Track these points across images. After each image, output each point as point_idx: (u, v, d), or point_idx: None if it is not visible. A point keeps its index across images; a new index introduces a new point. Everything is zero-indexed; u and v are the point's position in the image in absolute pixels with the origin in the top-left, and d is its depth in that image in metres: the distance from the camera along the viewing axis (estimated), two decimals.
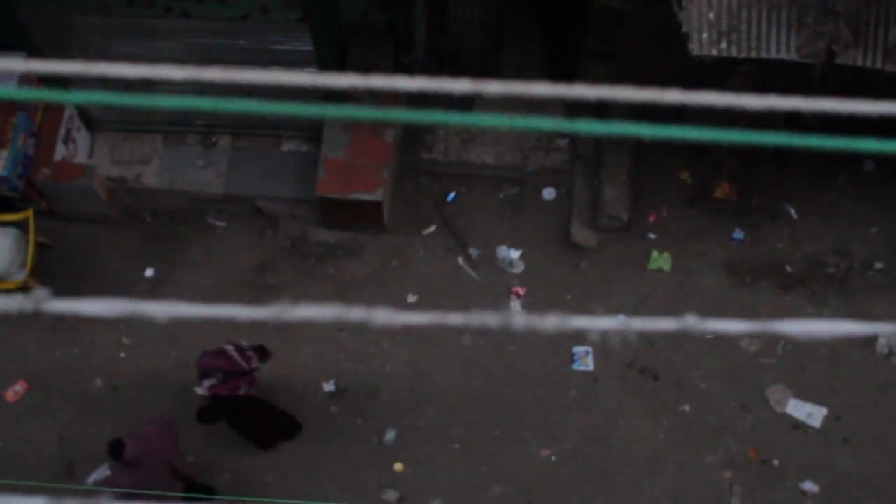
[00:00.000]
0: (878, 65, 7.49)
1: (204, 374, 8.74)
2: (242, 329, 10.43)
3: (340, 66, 10.28)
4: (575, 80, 10.86)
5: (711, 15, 7.60)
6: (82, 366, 10.49)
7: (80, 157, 10.79)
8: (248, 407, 9.26)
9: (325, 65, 10.03)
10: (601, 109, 10.90)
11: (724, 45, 7.60)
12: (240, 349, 8.95)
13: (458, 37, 10.53)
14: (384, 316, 1.87)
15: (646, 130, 2.19)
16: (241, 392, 8.96)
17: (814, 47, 7.48)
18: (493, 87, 2.04)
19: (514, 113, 11.26)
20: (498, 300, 10.65)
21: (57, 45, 9.96)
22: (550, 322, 1.71)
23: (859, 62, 7.50)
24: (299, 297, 10.58)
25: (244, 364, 8.89)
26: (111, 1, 9.29)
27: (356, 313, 1.88)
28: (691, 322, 1.79)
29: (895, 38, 7.27)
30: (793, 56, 7.55)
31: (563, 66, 11.03)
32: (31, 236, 10.14)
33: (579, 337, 10.35)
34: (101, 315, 1.73)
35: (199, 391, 8.80)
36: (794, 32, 7.52)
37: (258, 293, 10.63)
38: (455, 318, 1.82)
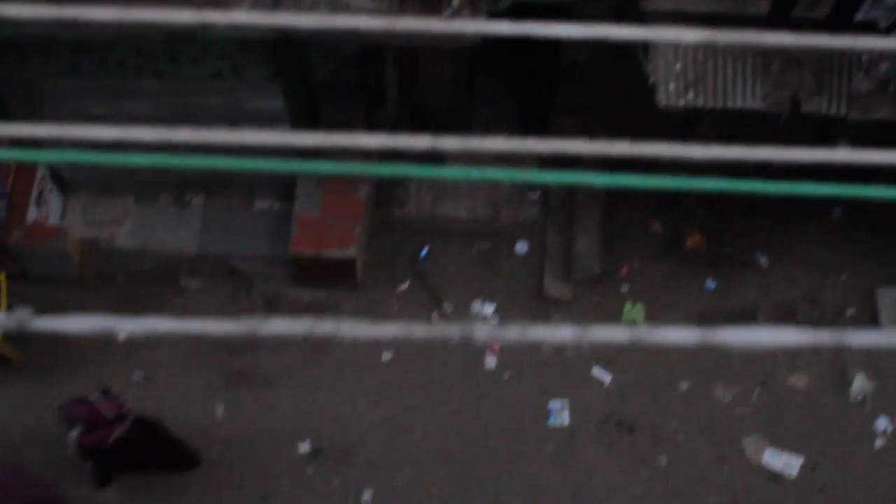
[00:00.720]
0: (843, 112, 7.60)
1: (68, 422, 8.56)
2: (218, 388, 10.38)
3: (313, 122, 10.32)
4: (546, 133, 11.00)
5: (678, 66, 7.71)
6: None
7: (53, 219, 10.75)
8: (130, 449, 8.94)
9: (297, 122, 10.08)
10: (573, 161, 10.99)
11: (690, 95, 7.70)
12: (107, 394, 8.71)
13: (428, 92, 10.62)
14: (351, 329, 1.88)
15: (608, 180, 2.21)
16: (113, 439, 8.68)
17: (779, 96, 7.59)
18: (450, 143, 2.07)
19: (486, 166, 11.35)
20: (473, 355, 10.64)
21: (28, 106, 9.96)
22: (511, 333, 1.73)
23: (824, 110, 7.61)
24: (274, 357, 10.54)
25: (109, 412, 8.63)
26: (83, 62, 9.32)
27: (326, 326, 1.89)
28: (642, 332, 1.82)
29: (858, 85, 7.39)
30: (758, 105, 7.65)
31: (534, 120, 11.13)
32: (3, 300, 10.06)
33: (555, 390, 10.36)
34: (83, 333, 1.74)
35: (70, 443, 8.59)
36: (760, 81, 7.63)
37: (232, 355, 10.57)
38: (419, 331, 1.83)
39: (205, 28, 8.04)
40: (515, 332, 1.76)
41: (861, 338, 1.78)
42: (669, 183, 2.35)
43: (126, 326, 1.74)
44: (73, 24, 7.93)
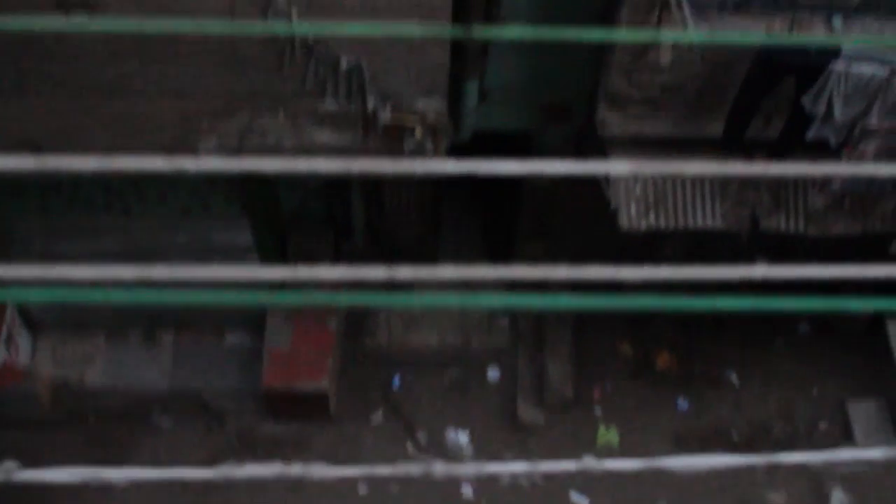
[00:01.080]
0: (802, 229, 7.75)
1: None
2: None
3: (282, 254, 10.40)
4: (513, 258, 11.11)
5: (638, 190, 7.87)
6: None
7: (22, 359, 10.69)
8: None
9: (266, 254, 10.16)
10: (540, 285, 11.09)
11: (652, 217, 7.84)
12: None
13: (395, 222, 10.74)
14: (321, 471, 1.91)
15: (574, 303, 2.27)
16: None
17: (738, 215, 7.75)
18: (406, 273, 2.13)
19: (454, 292, 11.42)
20: (449, 485, 10.54)
21: None
22: (468, 468, 1.78)
23: (783, 227, 7.76)
24: (248, 494, 10.39)
25: None
26: (51, 202, 9.41)
27: (296, 469, 1.92)
28: (590, 463, 1.87)
29: (814, 202, 7.56)
30: (718, 224, 7.80)
31: (500, 246, 11.25)
32: None
33: None
34: (67, 482, 1.76)
35: None
36: (719, 201, 7.79)
37: (206, 492, 10.41)
38: (383, 470, 1.87)
39: (177, 172, 8.17)
40: (472, 468, 1.81)
41: (793, 457, 1.84)
42: (635, 303, 2.41)
43: (107, 476, 1.78)
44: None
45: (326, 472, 1.84)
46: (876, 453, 2.24)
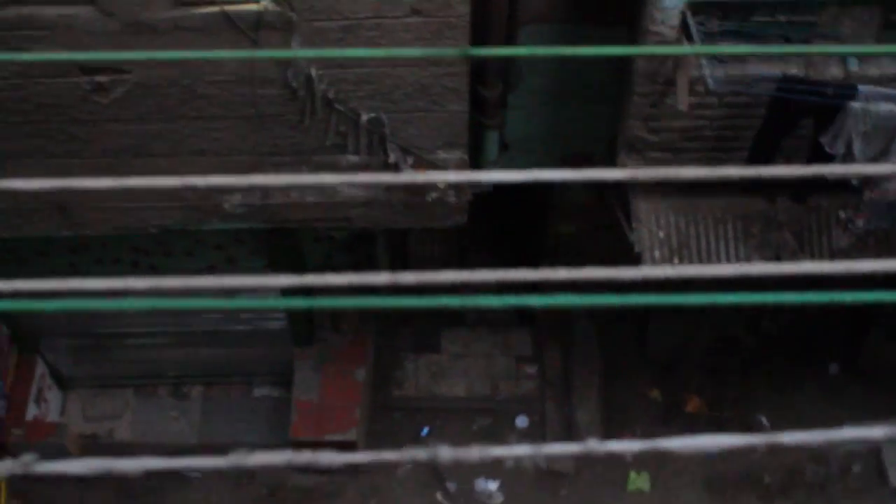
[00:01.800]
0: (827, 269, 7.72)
1: None
2: None
3: (308, 308, 10.45)
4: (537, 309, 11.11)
5: (661, 234, 7.88)
6: None
7: (52, 416, 10.77)
8: None
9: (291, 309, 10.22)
10: (567, 334, 11.10)
11: (676, 261, 7.84)
12: None
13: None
14: (328, 457, 1.93)
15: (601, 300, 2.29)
16: None
17: (762, 257, 7.74)
18: (408, 278, 2.15)
19: (481, 344, 11.38)
20: None
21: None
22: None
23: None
24: None
25: None
26: (79, 261, 9.51)
27: (304, 457, 1.94)
28: None
29: (839, 242, 7.55)
30: None
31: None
32: (3, 502, 10.01)
33: None
34: (85, 473, 1.79)
35: None
36: (742, 244, 7.79)
37: None
38: (390, 455, 1.88)
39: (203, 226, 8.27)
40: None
41: None
42: (657, 300, 2.41)
43: (123, 466, 1.81)
44: (71, 224, 8.16)
45: (334, 458, 1.87)
46: None
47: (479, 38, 7.21)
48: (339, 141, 7.52)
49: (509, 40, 7.59)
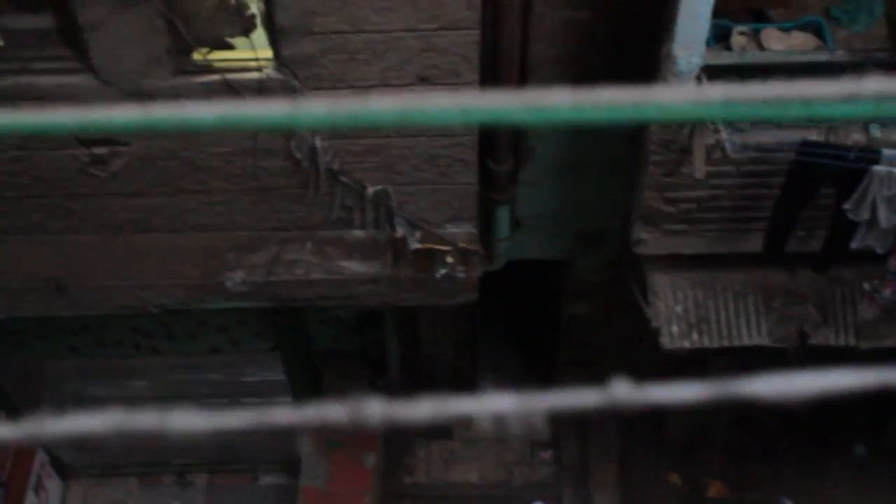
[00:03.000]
0: (852, 342, 7.44)
1: None
2: None
3: (314, 392, 10.18)
4: (553, 388, 10.81)
5: (679, 308, 7.61)
6: None
7: None
8: None
9: (299, 391, 9.94)
10: (583, 417, 10.77)
11: (695, 336, 7.56)
12: None
13: (430, 356, 10.51)
14: (337, 412, 1.66)
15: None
16: None
17: (785, 331, 7.46)
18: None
19: (497, 428, 11.11)
20: None
21: (28, 389, 9.88)
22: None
23: (832, 341, 7.45)
24: None
25: None
26: (80, 343, 9.28)
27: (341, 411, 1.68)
28: None
29: (864, 313, 7.27)
30: (765, 341, 7.50)
31: (540, 377, 10.98)
32: None
33: None
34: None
35: None
36: (763, 318, 7.52)
37: None
38: None
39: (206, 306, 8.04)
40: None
41: None
42: None
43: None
44: (69, 304, 7.93)
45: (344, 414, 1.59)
46: None
47: None
48: (344, 214, 7.30)
49: None
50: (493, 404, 1.77)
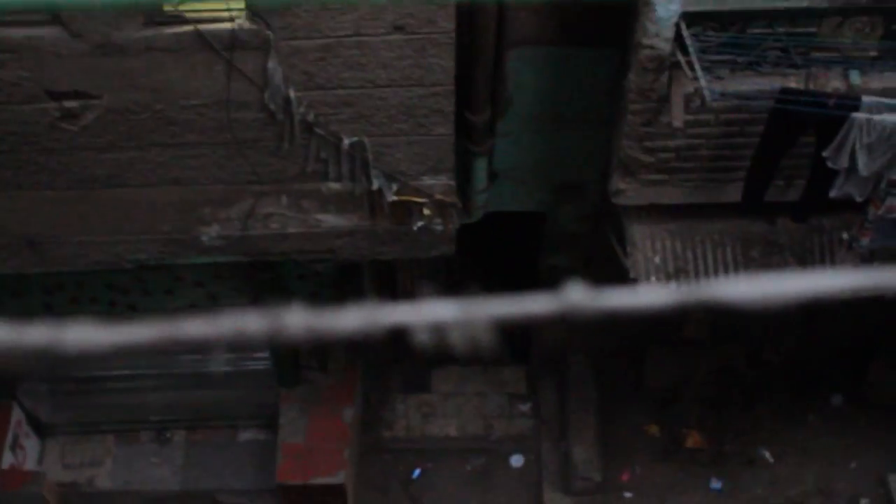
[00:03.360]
0: None
1: None
2: None
3: (293, 347, 10.12)
4: (531, 343, 10.79)
5: (657, 259, 7.58)
6: None
7: (30, 464, 10.38)
8: None
9: (276, 348, 9.86)
10: (562, 370, 10.77)
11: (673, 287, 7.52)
12: None
13: None
14: (255, 322, 1.61)
15: None
16: None
17: None
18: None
19: (474, 382, 11.07)
20: None
21: None
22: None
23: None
24: None
25: None
26: (55, 301, 9.18)
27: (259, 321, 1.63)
28: None
29: (842, 263, 7.25)
30: None
31: (518, 331, 10.94)
32: None
33: None
34: None
35: None
36: (742, 268, 7.49)
37: None
38: None
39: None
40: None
41: None
42: None
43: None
44: (42, 260, 7.83)
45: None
46: None
47: (465, 61, 6.94)
48: (320, 167, 7.22)
49: (498, 63, 7.33)
50: (430, 311, 1.65)
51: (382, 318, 1.51)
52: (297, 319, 1.43)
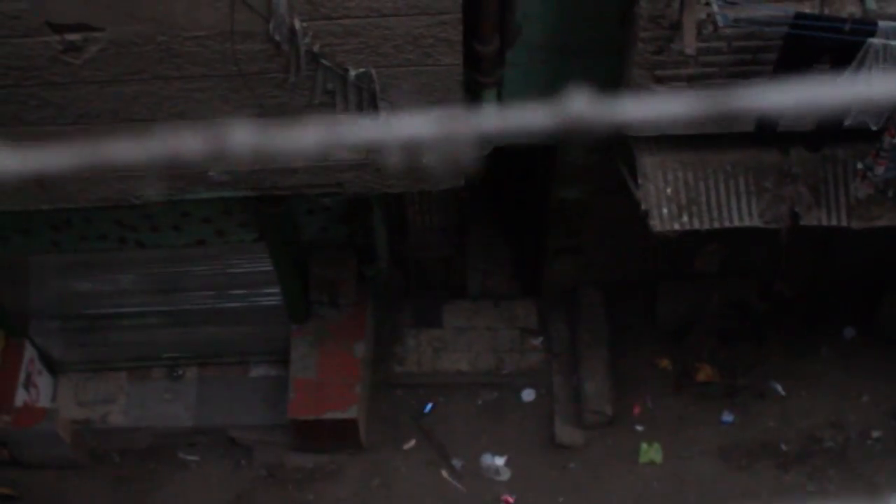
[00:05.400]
0: (844, 222, 7.35)
1: None
2: None
3: (303, 282, 10.10)
4: (542, 275, 10.74)
5: (669, 190, 7.50)
6: None
7: (43, 401, 10.43)
8: None
9: (286, 283, 9.85)
10: (573, 304, 10.73)
11: (685, 218, 7.46)
12: None
13: (419, 245, 10.41)
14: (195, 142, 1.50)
15: None
16: None
17: (776, 212, 7.35)
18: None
19: (485, 316, 11.01)
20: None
21: (14, 285, 9.78)
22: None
23: (825, 221, 7.35)
24: None
25: None
26: (63, 238, 9.15)
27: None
28: None
29: (856, 193, 7.17)
30: (756, 222, 7.40)
31: (529, 265, 10.90)
32: None
33: None
34: None
35: None
36: (755, 199, 7.40)
37: None
38: None
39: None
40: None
41: None
42: None
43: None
44: (49, 197, 7.78)
45: None
46: None
47: None
48: (327, 100, 7.12)
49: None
50: (402, 126, 1.46)
51: (346, 135, 1.35)
52: (243, 137, 1.29)
